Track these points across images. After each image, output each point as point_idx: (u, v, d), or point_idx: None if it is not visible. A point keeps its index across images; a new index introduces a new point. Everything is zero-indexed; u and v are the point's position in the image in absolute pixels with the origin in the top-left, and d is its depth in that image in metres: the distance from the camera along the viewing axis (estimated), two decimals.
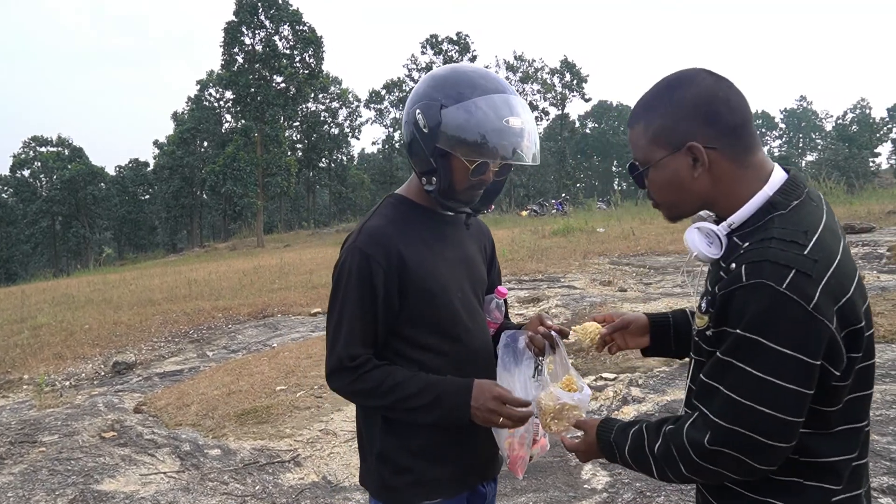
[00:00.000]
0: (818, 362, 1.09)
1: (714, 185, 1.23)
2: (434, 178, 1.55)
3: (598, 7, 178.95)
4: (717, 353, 1.16)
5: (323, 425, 4.93)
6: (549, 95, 63.39)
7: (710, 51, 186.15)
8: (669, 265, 10.33)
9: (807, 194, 1.21)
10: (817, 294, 1.08)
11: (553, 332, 1.61)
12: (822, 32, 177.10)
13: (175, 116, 61.12)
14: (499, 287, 1.74)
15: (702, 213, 1.34)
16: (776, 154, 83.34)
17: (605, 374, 5.26)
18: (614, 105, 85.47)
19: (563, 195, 46.14)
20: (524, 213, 33.27)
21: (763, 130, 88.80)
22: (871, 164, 74.19)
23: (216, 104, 56.46)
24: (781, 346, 1.09)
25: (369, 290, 1.53)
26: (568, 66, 62.15)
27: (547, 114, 65.16)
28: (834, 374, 1.12)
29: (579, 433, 1.45)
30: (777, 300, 1.08)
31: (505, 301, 1.85)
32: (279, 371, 6.42)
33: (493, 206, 1.81)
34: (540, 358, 1.64)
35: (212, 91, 56.38)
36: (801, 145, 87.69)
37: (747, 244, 1.17)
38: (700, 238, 1.25)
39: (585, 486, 3.65)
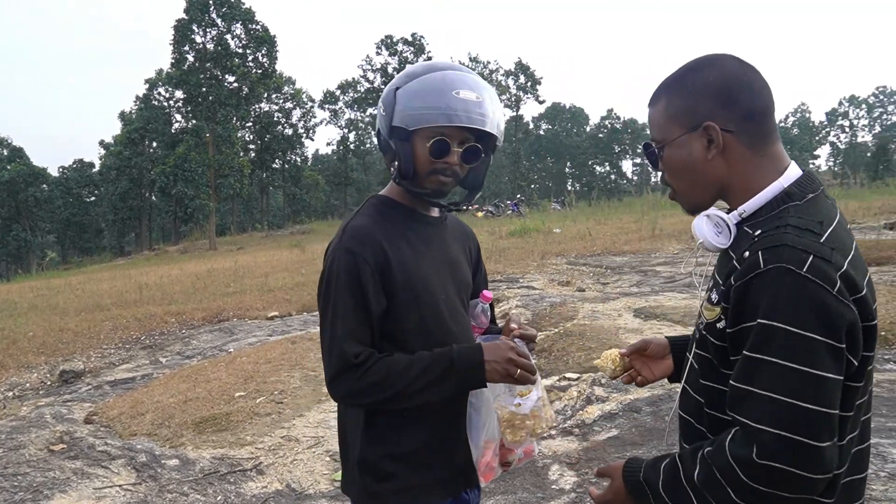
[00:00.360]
0: (843, 345, 1.04)
1: (728, 171, 1.21)
2: (396, 163, 1.56)
3: (551, 9, 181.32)
4: (744, 352, 1.07)
5: (285, 432, 4.83)
6: (503, 97, 63.89)
7: (660, 54, 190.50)
8: (626, 265, 10.50)
9: (822, 191, 1.19)
10: (838, 280, 1.04)
11: (517, 340, 1.56)
12: (765, 38, 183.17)
13: (122, 116, 59.42)
14: (484, 291, 1.71)
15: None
16: None
17: (568, 375, 5.29)
18: (567, 107, 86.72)
19: (519, 196, 46.55)
20: (480, 214, 33.41)
21: None
22: (811, 165, 77.07)
23: (166, 103, 55.15)
24: (811, 332, 1.02)
25: (359, 288, 1.51)
26: (522, 68, 62.79)
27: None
28: (853, 363, 1.07)
29: (601, 483, 1.34)
30: (799, 284, 1.03)
31: (491, 305, 1.82)
32: (237, 377, 6.27)
33: (475, 204, 1.78)
34: None
35: (161, 90, 55.02)
36: None
37: (759, 232, 1.13)
38: (708, 226, 1.20)
39: (553, 486, 3.65)
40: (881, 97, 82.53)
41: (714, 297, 1.18)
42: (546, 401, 1.56)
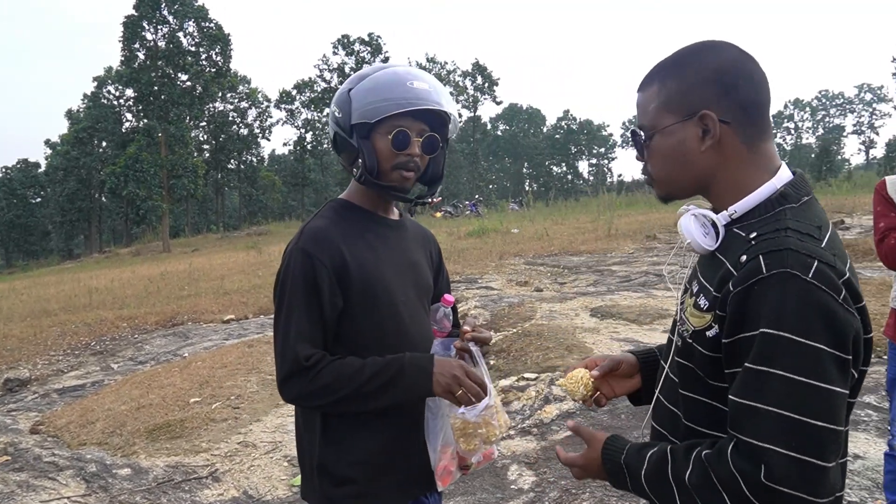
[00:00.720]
0: (850, 357, 0.97)
1: (718, 165, 1.13)
2: (360, 161, 1.57)
3: (508, 11, 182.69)
4: (746, 364, 0.99)
5: (241, 437, 4.75)
6: (461, 98, 64.10)
7: (615, 57, 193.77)
8: (582, 265, 10.65)
9: (813, 195, 1.13)
10: (842, 287, 0.98)
11: (471, 344, 1.56)
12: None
13: (70, 114, 57.66)
14: (445, 295, 1.69)
15: (682, 209, 1.25)
16: None
17: (526, 374, 5.33)
18: (524, 108, 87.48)
19: (477, 196, 46.75)
20: (438, 214, 33.40)
21: None
22: None
23: (115, 102, 53.67)
24: (819, 343, 0.95)
25: (314, 290, 1.51)
26: (479, 69, 63.09)
27: (459, 116, 65.76)
28: (853, 376, 1.01)
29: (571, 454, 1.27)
30: (805, 291, 0.96)
31: (454, 308, 1.82)
32: (192, 382, 6.14)
33: (440, 198, 1.79)
34: None
35: (111, 88, 53.55)
36: None
37: (755, 234, 1.06)
38: (696, 225, 1.13)
39: (512, 486, 3.68)
40: (823, 101, 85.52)
41: (703, 302, 1.11)
42: (499, 408, 1.54)
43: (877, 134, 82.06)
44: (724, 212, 1.13)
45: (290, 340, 1.51)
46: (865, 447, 3.58)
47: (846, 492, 3.13)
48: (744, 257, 1.03)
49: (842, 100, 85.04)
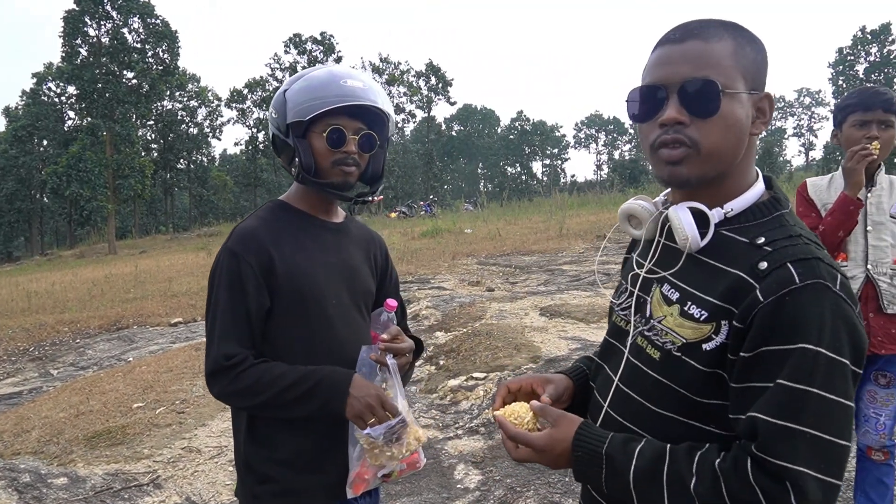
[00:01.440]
0: (861, 372, 0.95)
1: (744, 154, 1.04)
2: (297, 160, 1.58)
3: (460, 11, 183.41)
4: (780, 381, 0.90)
5: (186, 442, 4.66)
6: (415, 98, 64.04)
7: (566, 58, 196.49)
8: (534, 264, 10.77)
9: None
10: (856, 300, 0.95)
11: (388, 356, 1.54)
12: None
13: (7, 112, 55.42)
14: (388, 300, 1.67)
15: (636, 201, 1.17)
16: (626, 158, 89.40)
17: (475, 374, 5.37)
18: (479, 108, 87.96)
19: (432, 197, 46.82)
20: (393, 214, 33.37)
21: (615, 135, 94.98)
22: None
23: (57, 99, 51.85)
24: (845, 359, 0.90)
25: (240, 289, 1.53)
26: (433, 69, 63.11)
27: (414, 116, 65.82)
28: None
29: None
30: (836, 304, 0.91)
31: (403, 311, 1.83)
32: (136, 387, 5.99)
33: (381, 196, 1.79)
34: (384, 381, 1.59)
35: (51, 85, 51.71)
36: None
37: (762, 241, 0.99)
38: (692, 221, 1.03)
39: (458, 486, 3.70)
40: None
41: (697, 312, 1.00)
42: (412, 424, 1.52)
43: (815, 136, 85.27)
44: (719, 209, 1.04)
45: (214, 339, 1.53)
46: None
47: None
48: (763, 264, 0.95)
49: (783, 103, 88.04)
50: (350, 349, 1.61)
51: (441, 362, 5.86)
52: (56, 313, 11.12)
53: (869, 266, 2.49)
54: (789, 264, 0.93)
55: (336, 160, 1.58)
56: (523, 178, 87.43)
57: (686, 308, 1.02)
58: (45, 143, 52.82)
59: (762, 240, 0.99)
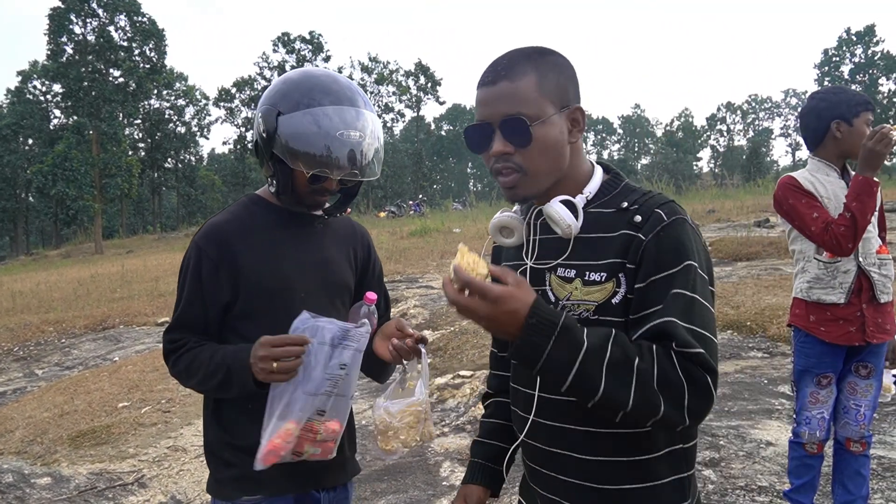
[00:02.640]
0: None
1: (572, 156, 1.24)
2: (275, 181, 1.59)
3: (449, 10, 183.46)
4: (677, 290, 1.11)
5: (171, 441, 4.65)
6: (404, 98, 64.00)
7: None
8: None
9: None
10: None
11: (419, 345, 1.56)
12: (652, 44, 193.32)
13: None
14: (367, 293, 1.65)
15: (504, 214, 1.31)
16: (615, 157, 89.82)
17: (462, 372, 5.39)
18: (468, 108, 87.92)
19: (421, 196, 46.82)
20: (382, 214, 33.35)
21: (604, 135, 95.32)
22: (694, 167, 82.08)
23: (42, 98, 51.36)
24: (708, 276, 1.16)
25: (197, 281, 1.58)
26: (422, 69, 63.08)
27: (403, 115, 65.81)
28: None
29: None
30: (695, 232, 1.17)
31: (387, 306, 1.83)
32: (121, 386, 5.97)
33: (349, 210, 1.80)
34: (405, 373, 1.58)
35: (37, 83, 51.20)
36: (636, 149, 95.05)
37: (626, 204, 1.20)
38: (568, 210, 1.20)
39: (444, 483, 3.72)
40: (753, 104, 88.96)
41: (597, 277, 1.17)
42: (427, 414, 1.51)
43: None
44: (580, 195, 1.24)
45: (171, 325, 1.61)
46: (777, 434, 3.76)
47: (757, 477, 3.30)
48: (638, 217, 1.17)
49: (770, 104, 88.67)
50: None
51: (429, 360, 5.87)
52: (41, 313, 11.04)
53: (860, 258, 2.53)
54: (656, 209, 1.16)
55: (313, 191, 1.59)
56: None
57: (586, 278, 1.19)
58: (30, 141, 52.30)
59: (626, 203, 1.20)
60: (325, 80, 1.57)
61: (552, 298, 1.22)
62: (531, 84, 1.18)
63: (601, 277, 1.17)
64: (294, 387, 1.47)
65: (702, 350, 1.07)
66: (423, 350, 1.55)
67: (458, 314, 1.16)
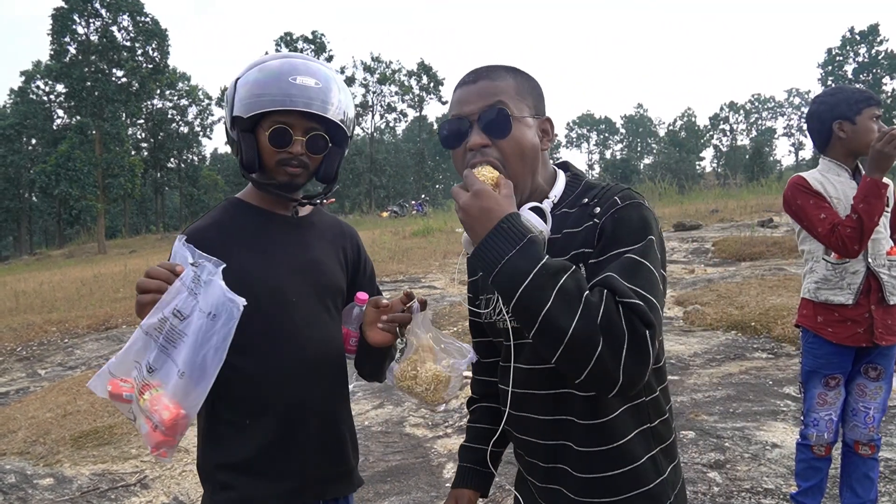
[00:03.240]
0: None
1: (540, 166, 1.30)
2: (239, 156, 1.52)
3: (452, 10, 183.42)
4: (629, 255, 1.14)
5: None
6: (406, 97, 63.98)
7: (556, 57, 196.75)
8: None
9: None
10: None
11: (413, 304, 1.47)
12: (654, 44, 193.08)
13: None
14: (358, 293, 1.60)
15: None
16: (618, 157, 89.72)
17: (466, 373, 5.36)
18: None
19: (423, 196, 46.79)
20: (385, 214, 33.35)
21: (606, 135, 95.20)
22: (697, 167, 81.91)
23: (45, 98, 51.45)
24: (657, 246, 1.19)
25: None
26: (425, 68, 63.07)
27: (405, 115, 65.76)
28: None
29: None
30: (649, 211, 1.20)
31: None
32: None
33: (332, 199, 1.74)
34: (403, 339, 1.51)
35: (40, 83, 51.30)
36: (639, 149, 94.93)
37: (585, 200, 1.25)
38: (539, 217, 1.24)
39: (447, 484, 3.70)
40: (756, 104, 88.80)
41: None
42: (428, 357, 1.42)
43: (805, 136, 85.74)
44: (547, 200, 1.29)
45: None
46: (783, 436, 3.74)
47: (763, 479, 3.27)
48: (597, 209, 1.21)
49: (773, 103, 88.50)
50: (315, 346, 1.54)
51: (426, 314, 5.85)
52: (44, 313, 11.03)
53: (869, 259, 2.51)
54: (613, 197, 1.21)
55: (280, 160, 1.50)
56: None
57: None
58: (33, 141, 52.40)
59: (586, 199, 1.25)
60: (290, 53, 1.59)
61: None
62: (511, 85, 1.26)
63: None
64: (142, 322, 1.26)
65: (640, 302, 1.07)
66: (414, 305, 1.46)
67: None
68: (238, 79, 1.52)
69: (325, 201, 1.66)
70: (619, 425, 1.23)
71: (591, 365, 1.04)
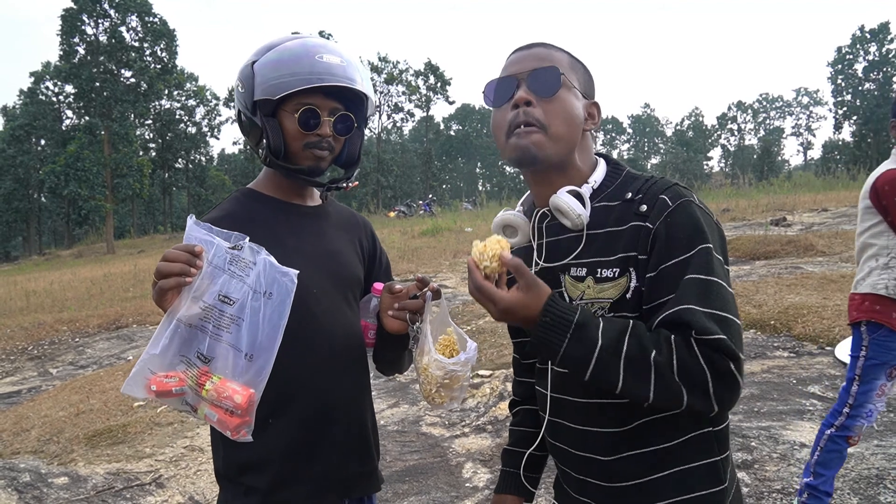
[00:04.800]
0: None
1: (579, 151, 1.25)
2: (265, 141, 1.45)
3: (459, 10, 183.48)
4: (692, 276, 1.07)
5: (188, 441, 4.59)
6: (413, 97, 63.95)
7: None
8: None
9: None
10: None
11: (426, 291, 1.43)
12: (662, 44, 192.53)
13: (5, 111, 55.28)
14: (375, 284, 1.54)
15: (508, 213, 1.31)
16: (625, 156, 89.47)
17: (480, 372, 5.31)
18: (477, 108, 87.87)
19: (430, 196, 46.79)
20: (392, 213, 33.30)
21: (613, 135, 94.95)
22: (705, 167, 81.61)
23: (55, 98, 51.65)
24: (722, 256, 1.13)
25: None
26: (432, 68, 63.03)
27: (412, 115, 65.75)
28: None
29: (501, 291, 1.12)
30: (704, 213, 1.13)
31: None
32: None
33: (356, 182, 1.66)
34: (415, 326, 1.45)
35: (49, 84, 51.50)
36: (646, 149, 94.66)
37: (629, 195, 1.18)
38: (577, 200, 1.19)
39: (467, 484, 3.64)
40: (764, 103, 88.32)
41: (609, 273, 1.15)
42: (461, 381, 1.36)
43: (813, 136, 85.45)
44: (586, 185, 1.22)
45: None
46: (810, 436, 3.66)
47: (793, 479, 3.20)
48: (643, 207, 1.14)
49: (781, 103, 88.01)
50: (336, 338, 1.48)
51: (438, 303, 5.80)
52: (55, 312, 11.05)
53: None
54: (661, 195, 1.13)
55: (308, 143, 1.44)
56: (521, 177, 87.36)
57: (599, 275, 1.16)
58: (42, 142, 52.57)
59: (630, 194, 1.18)
60: (292, 37, 1.50)
61: (566, 299, 1.21)
62: (565, 58, 1.23)
63: (614, 273, 1.14)
64: (173, 313, 1.20)
65: (723, 336, 1.03)
66: (427, 294, 1.41)
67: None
68: (254, 62, 1.45)
69: (349, 185, 1.58)
70: (669, 430, 1.16)
71: (684, 408, 1.06)
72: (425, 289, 1.43)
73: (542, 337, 1.07)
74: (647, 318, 1.11)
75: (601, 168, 1.25)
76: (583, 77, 1.26)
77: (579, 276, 1.19)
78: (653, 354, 1.03)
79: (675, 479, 1.15)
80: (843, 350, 4.83)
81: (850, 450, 3.32)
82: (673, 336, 1.05)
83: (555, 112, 1.18)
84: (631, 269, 1.12)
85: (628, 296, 1.13)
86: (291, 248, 1.48)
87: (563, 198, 1.18)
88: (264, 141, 1.45)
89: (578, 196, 1.19)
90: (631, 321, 1.09)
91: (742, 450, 3.58)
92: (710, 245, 1.09)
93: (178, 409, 1.25)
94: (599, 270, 1.16)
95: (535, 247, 1.28)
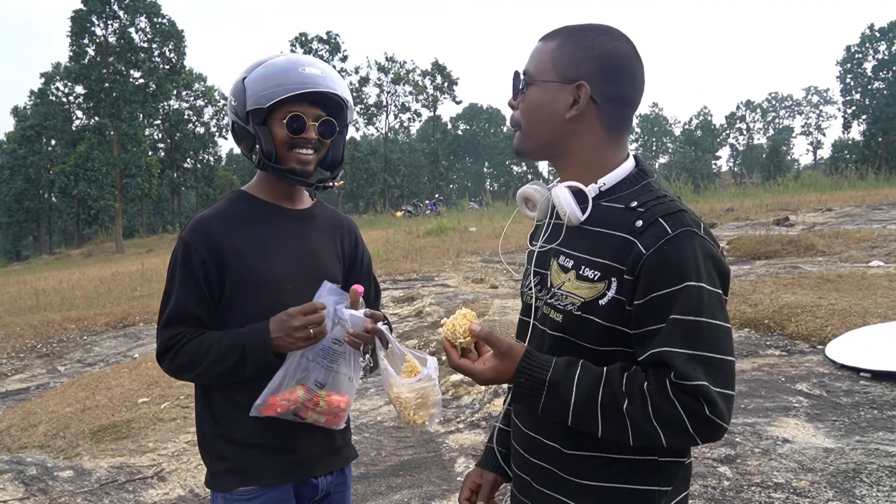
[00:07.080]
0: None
1: (577, 138, 1.21)
2: (257, 147, 1.61)
3: (466, 10, 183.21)
4: (674, 317, 1.06)
5: (190, 436, 4.70)
6: (420, 97, 64.05)
7: None
8: None
9: None
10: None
11: (379, 326, 1.55)
12: (670, 43, 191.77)
13: (16, 112, 55.73)
14: (354, 285, 1.64)
15: (531, 186, 1.31)
16: None
17: None
18: (484, 108, 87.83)
19: (437, 196, 46.82)
20: (398, 213, 33.44)
21: None
22: (713, 166, 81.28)
23: (65, 99, 52.07)
24: (720, 290, 1.10)
25: (190, 274, 1.60)
26: (439, 68, 63.10)
27: (419, 115, 65.84)
28: None
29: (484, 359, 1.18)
30: (704, 247, 1.09)
31: (378, 294, 1.86)
32: (141, 382, 6.05)
33: (341, 182, 1.81)
34: (367, 356, 1.61)
35: (59, 85, 51.91)
36: (654, 148, 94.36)
37: (635, 204, 1.16)
38: (572, 198, 1.20)
39: (459, 478, 3.73)
40: (773, 102, 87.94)
41: (590, 273, 1.16)
42: (433, 397, 1.41)
43: (823, 135, 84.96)
44: (593, 185, 1.21)
45: (162, 321, 1.62)
46: (794, 431, 3.73)
47: (773, 473, 3.28)
48: (639, 223, 1.12)
49: (790, 102, 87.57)
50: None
51: (444, 358, 5.89)
52: (63, 311, 11.21)
53: None
54: (660, 219, 1.11)
55: (294, 144, 1.61)
56: (529, 176, 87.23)
57: (581, 272, 1.18)
58: (53, 142, 53.00)
59: (635, 203, 1.16)
60: (280, 55, 1.69)
61: (548, 283, 1.25)
62: (548, 48, 1.23)
63: (594, 276, 1.15)
64: (301, 353, 1.59)
65: (702, 382, 1.04)
66: (384, 331, 1.53)
67: None
68: (244, 78, 1.62)
69: (335, 184, 1.73)
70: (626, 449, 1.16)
71: (666, 447, 1.10)
72: (374, 327, 1.55)
73: (520, 396, 1.15)
74: (636, 344, 1.12)
75: (623, 169, 1.22)
76: (566, 60, 1.20)
77: (565, 267, 1.21)
78: (625, 405, 1.07)
79: (604, 491, 1.18)
80: (835, 349, 4.89)
81: (830, 444, 3.41)
82: (646, 384, 1.07)
83: (523, 110, 1.25)
84: (613, 279, 1.12)
85: (602, 302, 1.13)
86: (268, 246, 1.64)
87: (557, 192, 1.21)
88: (257, 147, 1.60)
89: (582, 194, 1.20)
90: (605, 370, 1.11)
91: (726, 445, 3.66)
92: (699, 284, 1.06)
93: (288, 417, 1.62)
94: (583, 268, 1.17)
95: (544, 225, 1.31)
